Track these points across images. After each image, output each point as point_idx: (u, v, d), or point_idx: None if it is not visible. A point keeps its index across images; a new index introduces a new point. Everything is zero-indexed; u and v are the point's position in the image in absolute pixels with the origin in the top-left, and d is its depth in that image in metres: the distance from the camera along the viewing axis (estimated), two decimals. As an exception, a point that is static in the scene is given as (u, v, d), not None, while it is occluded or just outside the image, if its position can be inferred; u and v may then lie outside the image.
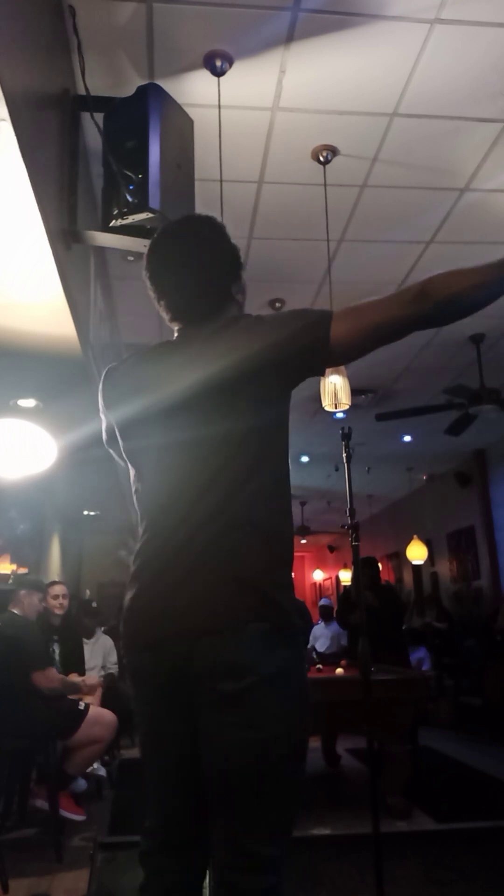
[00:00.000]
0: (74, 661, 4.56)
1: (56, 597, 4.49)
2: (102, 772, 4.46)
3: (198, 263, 1.47)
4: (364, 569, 5.45)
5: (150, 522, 1.41)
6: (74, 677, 4.39)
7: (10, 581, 4.11)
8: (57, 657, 4.40)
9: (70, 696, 3.77)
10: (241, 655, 1.24)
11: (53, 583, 4.72)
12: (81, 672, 4.62)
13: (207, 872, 1.41)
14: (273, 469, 1.38)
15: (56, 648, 4.43)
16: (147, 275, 1.51)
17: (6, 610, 3.80)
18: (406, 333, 1.37)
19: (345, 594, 5.88)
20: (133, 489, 1.49)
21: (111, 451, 1.61)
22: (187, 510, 1.33)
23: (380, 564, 6.03)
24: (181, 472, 1.37)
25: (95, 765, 4.19)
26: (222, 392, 1.35)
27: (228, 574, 1.27)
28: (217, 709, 1.25)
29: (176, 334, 1.52)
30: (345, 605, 5.94)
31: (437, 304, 1.29)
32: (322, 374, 1.35)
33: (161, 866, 1.36)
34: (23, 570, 6.38)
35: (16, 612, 3.77)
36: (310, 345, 1.33)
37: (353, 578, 2.56)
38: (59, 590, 4.55)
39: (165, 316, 1.53)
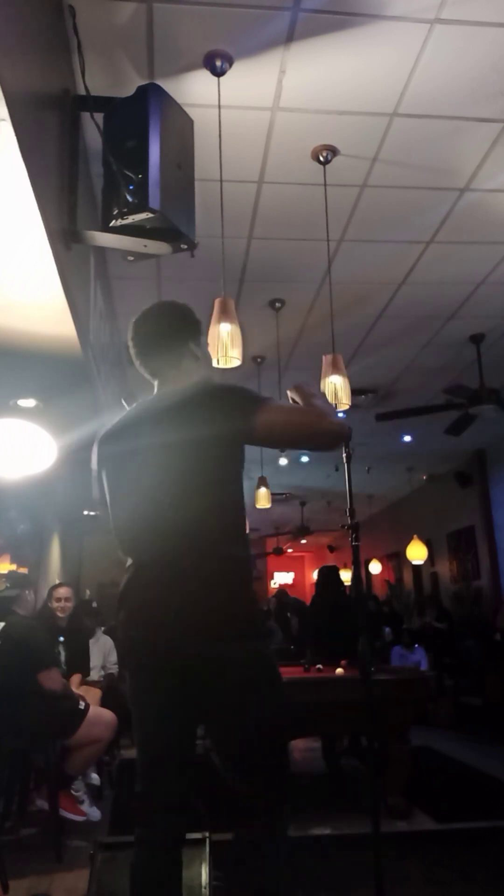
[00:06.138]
0: (79, 663, 4.55)
1: (59, 599, 4.48)
2: (96, 780, 4.28)
3: (163, 330, 1.96)
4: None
5: (139, 552, 1.83)
6: (77, 679, 4.38)
7: (5, 582, 4.09)
8: (62, 659, 4.39)
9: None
10: (242, 652, 1.70)
11: (58, 585, 4.71)
12: (87, 673, 4.61)
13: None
14: (237, 503, 1.81)
15: (62, 650, 4.41)
16: (131, 345, 1.97)
17: (11, 612, 3.80)
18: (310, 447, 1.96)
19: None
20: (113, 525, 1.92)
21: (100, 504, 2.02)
22: (175, 542, 1.73)
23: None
24: (164, 507, 1.75)
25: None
26: (190, 447, 1.75)
27: (223, 593, 1.70)
28: (232, 691, 1.67)
29: (155, 387, 1.98)
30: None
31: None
32: (262, 445, 1.84)
33: (151, 824, 1.72)
34: (23, 570, 6.37)
35: (21, 612, 3.78)
36: (239, 429, 1.76)
37: (354, 578, 2.56)
38: (63, 592, 4.53)
39: (143, 373, 1.98)
